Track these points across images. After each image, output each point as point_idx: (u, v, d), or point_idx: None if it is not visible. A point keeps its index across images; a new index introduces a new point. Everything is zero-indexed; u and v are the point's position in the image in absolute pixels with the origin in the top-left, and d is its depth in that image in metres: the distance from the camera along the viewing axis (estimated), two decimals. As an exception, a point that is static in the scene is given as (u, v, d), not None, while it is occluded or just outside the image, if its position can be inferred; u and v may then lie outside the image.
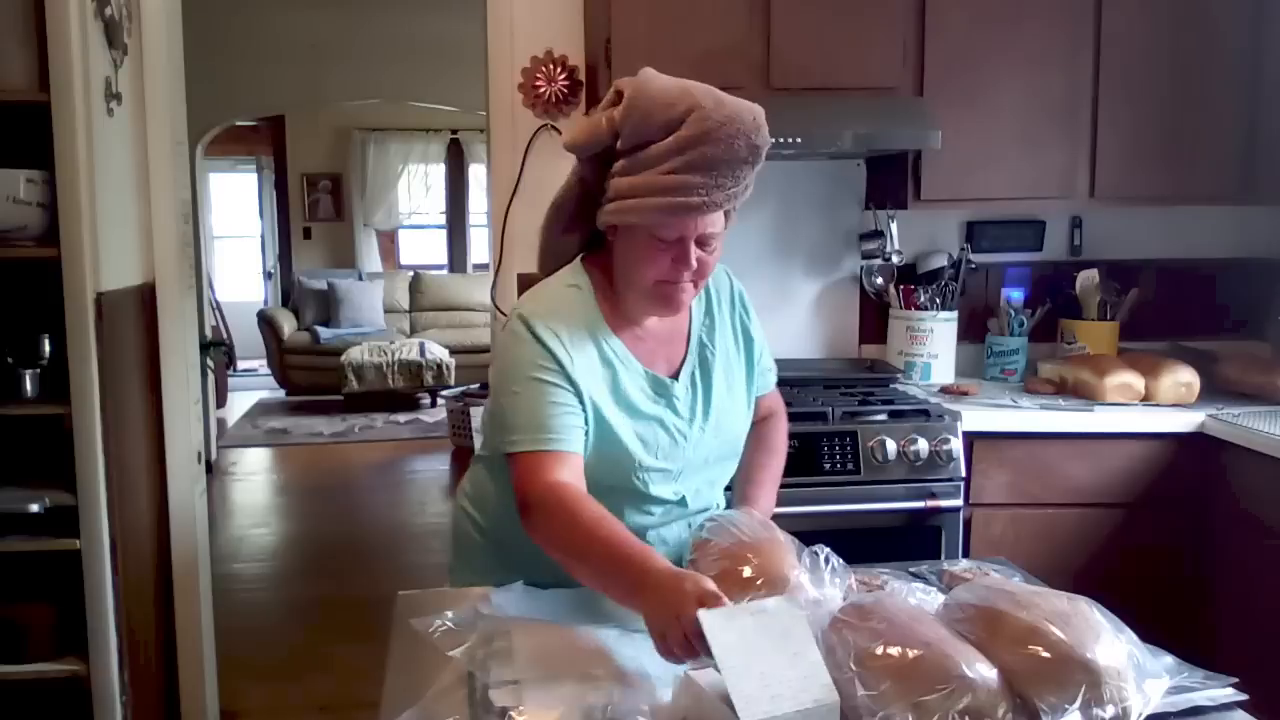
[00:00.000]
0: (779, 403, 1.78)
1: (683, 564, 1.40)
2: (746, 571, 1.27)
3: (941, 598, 1.21)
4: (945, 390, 2.81)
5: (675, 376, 1.54)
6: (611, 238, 1.48)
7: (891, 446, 2.44)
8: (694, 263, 1.42)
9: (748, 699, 0.97)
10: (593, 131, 1.43)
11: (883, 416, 2.53)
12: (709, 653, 1.02)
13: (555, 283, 1.53)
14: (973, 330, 3.09)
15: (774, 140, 2.49)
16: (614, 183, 1.42)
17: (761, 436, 1.70)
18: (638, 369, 1.50)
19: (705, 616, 1.04)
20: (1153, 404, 2.63)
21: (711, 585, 1.12)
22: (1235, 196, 2.85)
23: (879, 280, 3.06)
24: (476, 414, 5.13)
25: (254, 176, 10.48)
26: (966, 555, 2.47)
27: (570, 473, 1.38)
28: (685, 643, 1.07)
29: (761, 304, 3.02)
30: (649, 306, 1.49)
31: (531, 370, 1.41)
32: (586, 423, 1.43)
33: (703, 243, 1.42)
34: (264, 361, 8.68)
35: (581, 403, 1.43)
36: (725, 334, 1.60)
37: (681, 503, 1.54)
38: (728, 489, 1.69)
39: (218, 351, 4.67)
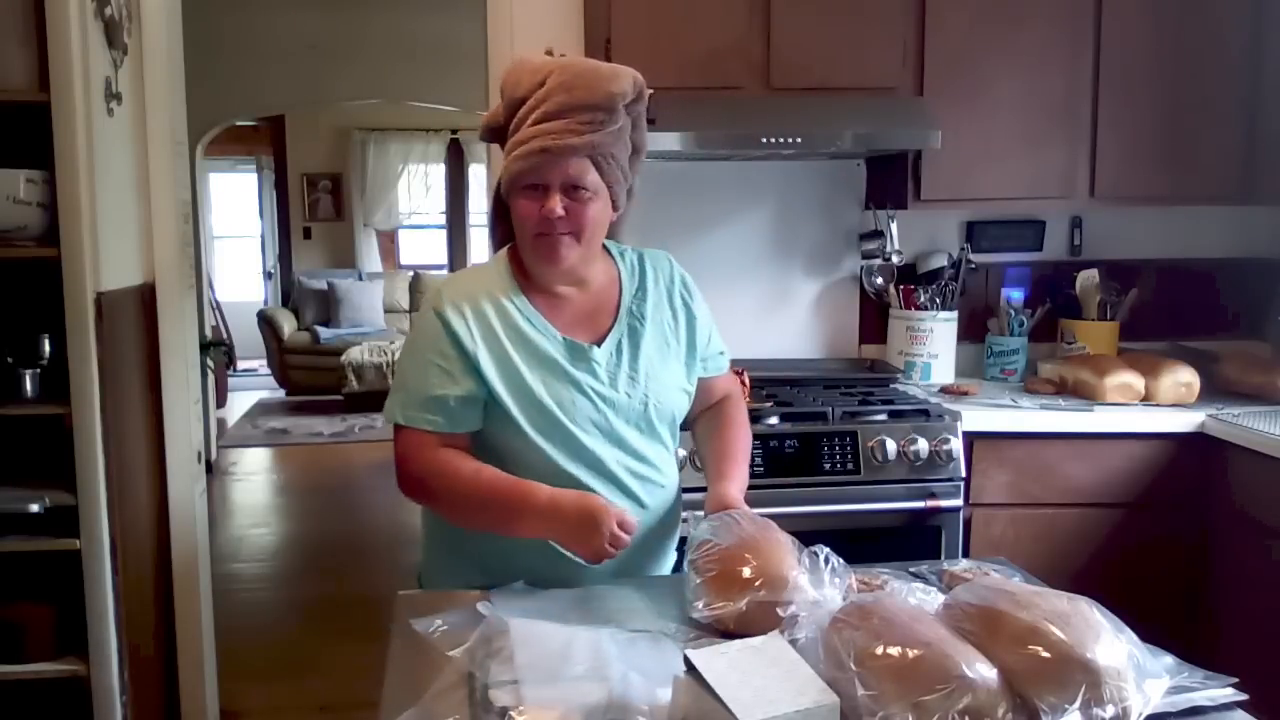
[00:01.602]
0: (735, 384, 1.83)
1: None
2: (746, 572, 1.27)
3: (941, 598, 1.21)
4: (945, 390, 2.81)
5: (600, 344, 1.58)
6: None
7: (891, 446, 2.44)
8: (559, 209, 1.48)
9: (745, 705, 0.99)
10: (492, 114, 1.55)
11: (883, 416, 2.53)
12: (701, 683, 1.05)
13: (475, 265, 1.65)
14: (973, 330, 3.09)
15: (774, 140, 2.53)
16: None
17: (724, 413, 1.76)
18: (553, 334, 1.55)
19: (694, 655, 1.08)
20: (1153, 404, 2.63)
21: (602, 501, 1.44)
22: (1235, 196, 2.85)
23: (879, 280, 3.06)
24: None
25: (254, 176, 10.47)
26: (966, 555, 2.47)
27: (449, 451, 1.51)
28: (613, 541, 1.41)
29: (761, 304, 3.09)
30: (537, 264, 1.56)
31: (430, 352, 1.51)
32: (489, 395, 1.51)
33: (570, 191, 1.48)
34: (264, 361, 8.68)
35: (482, 382, 1.50)
36: (660, 308, 1.65)
37: (612, 479, 1.56)
38: (697, 468, 1.75)
39: (218, 351, 4.67)
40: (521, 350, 1.53)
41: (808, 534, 1.37)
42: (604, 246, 1.64)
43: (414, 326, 1.59)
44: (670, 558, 1.71)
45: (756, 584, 1.25)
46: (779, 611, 1.21)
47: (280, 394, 8.54)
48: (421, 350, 1.53)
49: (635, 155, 1.58)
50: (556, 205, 1.48)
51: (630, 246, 1.70)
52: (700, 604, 1.29)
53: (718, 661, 1.07)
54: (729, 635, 1.24)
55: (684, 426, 1.74)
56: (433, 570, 1.73)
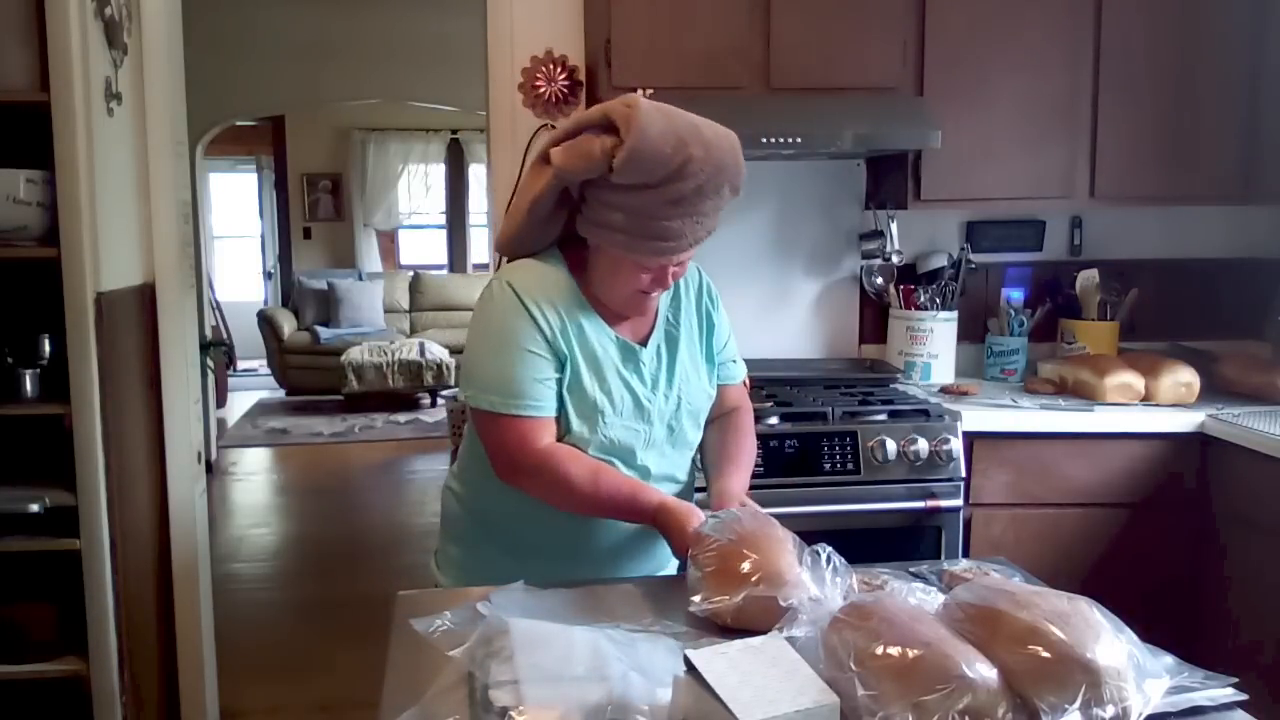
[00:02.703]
0: (745, 398, 1.86)
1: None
2: (745, 566, 1.28)
3: (941, 598, 1.20)
4: (945, 390, 2.81)
5: (643, 346, 1.65)
6: (591, 241, 1.57)
7: (891, 446, 2.44)
8: (671, 282, 1.58)
9: (745, 705, 0.99)
10: (588, 162, 1.48)
11: (883, 416, 2.53)
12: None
13: (536, 262, 1.64)
14: (973, 330, 3.09)
15: (774, 140, 2.53)
16: (602, 207, 1.50)
17: (731, 421, 1.80)
18: (608, 334, 1.62)
19: (694, 655, 1.08)
20: (1153, 404, 2.63)
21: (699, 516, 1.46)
22: (1235, 196, 2.85)
23: (879, 280, 3.06)
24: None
25: (254, 176, 10.47)
26: (966, 555, 2.47)
27: (552, 435, 1.58)
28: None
29: (761, 304, 3.09)
30: (625, 309, 1.63)
31: (524, 340, 1.55)
32: (560, 383, 1.58)
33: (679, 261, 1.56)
34: (264, 361, 8.68)
35: (561, 369, 1.58)
36: (690, 315, 1.72)
37: (641, 473, 1.64)
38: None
39: (218, 351, 4.68)
40: (581, 347, 1.59)
41: (808, 534, 1.37)
42: None
43: (492, 319, 1.59)
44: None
45: (754, 579, 1.26)
46: (780, 603, 1.22)
47: (280, 394, 8.54)
48: (511, 339, 1.56)
49: None
50: (671, 281, 1.58)
51: None
52: (698, 598, 1.30)
53: (718, 661, 1.07)
54: (728, 632, 1.24)
55: None
56: (455, 556, 1.78)
